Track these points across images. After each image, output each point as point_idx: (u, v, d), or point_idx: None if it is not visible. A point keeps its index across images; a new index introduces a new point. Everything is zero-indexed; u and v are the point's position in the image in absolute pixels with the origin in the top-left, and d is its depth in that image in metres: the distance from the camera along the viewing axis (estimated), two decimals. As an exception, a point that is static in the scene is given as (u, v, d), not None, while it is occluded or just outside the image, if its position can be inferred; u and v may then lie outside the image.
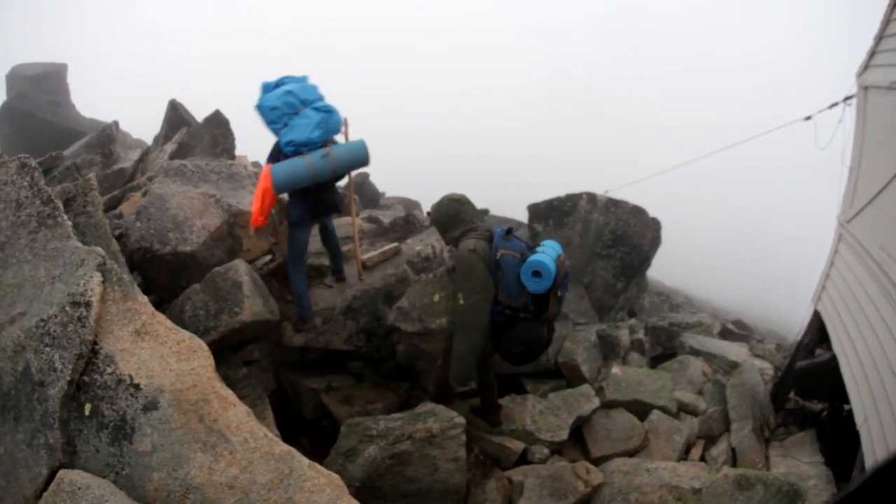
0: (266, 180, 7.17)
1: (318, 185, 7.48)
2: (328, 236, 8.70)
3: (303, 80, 7.63)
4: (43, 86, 25.87)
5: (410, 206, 20.72)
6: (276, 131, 7.43)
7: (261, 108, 7.40)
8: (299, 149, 7.24)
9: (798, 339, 9.53)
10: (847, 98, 9.11)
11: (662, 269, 18.33)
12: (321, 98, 7.56)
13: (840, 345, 7.71)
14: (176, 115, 15.95)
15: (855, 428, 6.54)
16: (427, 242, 10.12)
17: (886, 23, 7.63)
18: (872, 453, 5.88)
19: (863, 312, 7.16)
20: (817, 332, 8.88)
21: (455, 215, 6.66)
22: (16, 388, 4.68)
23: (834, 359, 7.85)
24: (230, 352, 7.64)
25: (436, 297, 8.04)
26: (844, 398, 7.13)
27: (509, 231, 6.53)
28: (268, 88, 7.46)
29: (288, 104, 7.28)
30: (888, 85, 7.40)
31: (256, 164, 15.47)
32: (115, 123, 17.96)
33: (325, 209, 7.94)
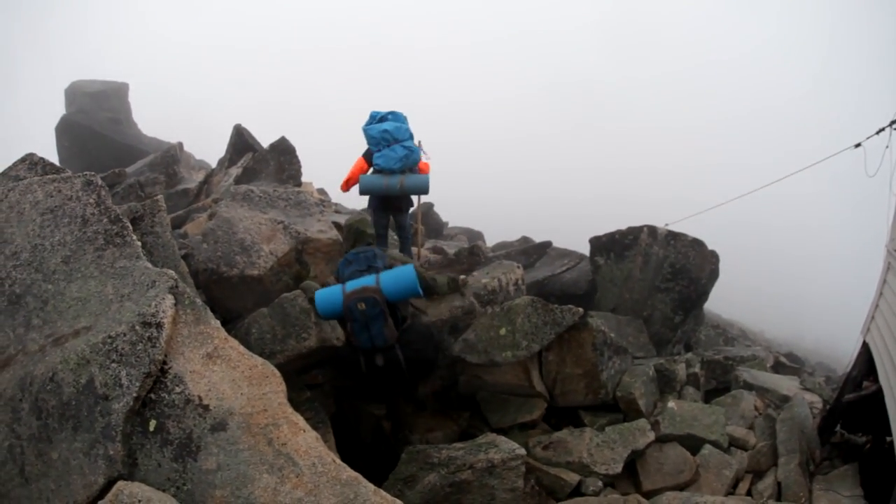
0: (356, 173, 9.72)
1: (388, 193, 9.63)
2: (400, 230, 10.74)
3: (400, 118, 9.66)
4: (103, 103, 26.40)
5: (474, 236, 20.73)
6: (372, 151, 9.57)
7: (365, 133, 9.61)
8: (382, 170, 9.46)
9: (846, 371, 9.49)
10: (894, 122, 9.09)
11: (718, 302, 18.24)
12: (410, 137, 9.67)
13: (886, 376, 7.69)
14: (241, 140, 16.20)
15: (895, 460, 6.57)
16: (493, 275, 10.28)
17: None
18: None
19: None
20: (865, 364, 8.80)
21: (361, 233, 8.45)
22: (77, 398, 4.82)
23: (880, 391, 7.83)
24: (294, 375, 7.71)
25: (502, 331, 8.22)
26: (888, 431, 7.11)
27: (351, 254, 7.84)
28: (374, 117, 9.62)
29: (384, 140, 9.39)
30: None
31: (322, 192, 15.68)
32: (180, 144, 18.37)
33: (389, 206, 10.01)
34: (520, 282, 10.76)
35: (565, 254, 15.18)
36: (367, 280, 7.05)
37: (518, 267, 11.09)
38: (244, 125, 16.40)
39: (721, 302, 20.52)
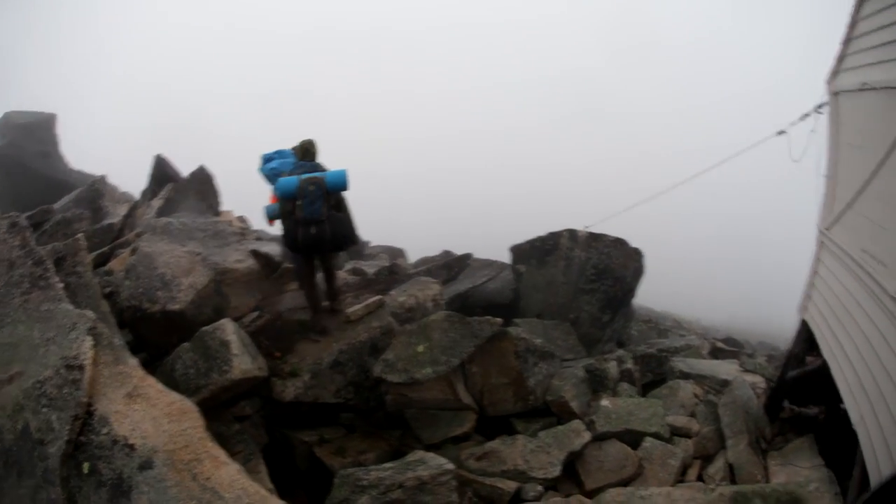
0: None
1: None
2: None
3: (286, 154, 9.69)
4: (34, 135, 25.84)
5: (395, 254, 20.60)
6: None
7: (260, 174, 9.63)
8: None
9: (787, 349, 9.56)
10: (818, 106, 9.10)
11: (650, 296, 18.32)
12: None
13: (830, 350, 7.74)
14: (161, 170, 15.92)
15: (852, 426, 6.58)
16: (410, 293, 10.31)
17: (854, 24, 7.66)
18: (871, 450, 5.91)
19: (850, 315, 7.20)
20: (806, 340, 8.87)
21: (307, 150, 9.23)
22: (17, 445, 4.88)
23: (824, 365, 7.86)
24: (222, 408, 7.69)
25: (420, 348, 8.27)
26: (838, 400, 7.14)
27: (301, 162, 9.12)
28: (264, 159, 9.67)
29: (275, 177, 9.20)
30: (860, 87, 7.42)
31: (242, 220, 15.45)
32: (103, 178, 18.00)
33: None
34: (437, 297, 10.76)
35: (487, 264, 15.08)
36: (316, 174, 8.71)
37: (435, 283, 11.16)
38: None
39: (656, 295, 20.60)
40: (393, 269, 12.59)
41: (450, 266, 15.30)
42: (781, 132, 10.03)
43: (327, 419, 8.66)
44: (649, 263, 13.28)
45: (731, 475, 7.96)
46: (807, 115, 9.42)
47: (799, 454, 7.93)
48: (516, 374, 8.80)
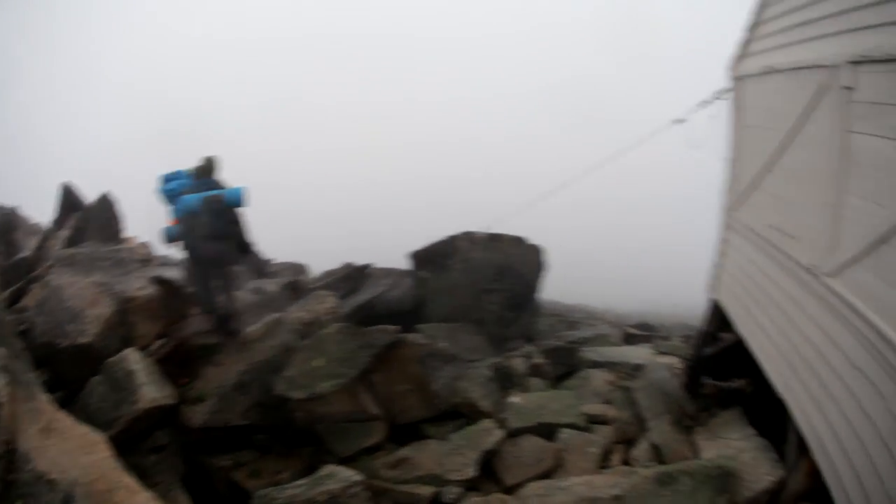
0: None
1: None
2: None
3: (182, 176, 9.66)
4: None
5: (297, 270, 20.50)
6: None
7: (160, 193, 9.56)
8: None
9: (700, 329, 9.79)
10: (719, 93, 9.31)
11: (560, 290, 18.40)
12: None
13: (745, 326, 7.97)
14: (69, 199, 15.50)
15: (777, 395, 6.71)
16: (307, 308, 10.30)
17: (760, 11, 7.82)
18: (802, 415, 6.09)
19: (762, 290, 7.45)
20: (718, 319, 9.09)
21: (207, 169, 9.45)
22: None
23: (739, 341, 8.09)
24: (140, 439, 7.57)
25: (318, 362, 8.36)
26: (760, 372, 7.32)
27: (203, 180, 9.37)
28: (163, 179, 9.62)
29: (172, 197, 9.31)
30: (764, 70, 7.68)
31: (145, 245, 15.17)
32: (14, 209, 17.61)
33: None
34: (333, 310, 10.70)
35: (388, 272, 15.08)
36: (216, 191, 9.04)
37: (330, 296, 11.15)
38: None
39: (567, 288, 20.67)
40: (294, 286, 12.66)
41: (350, 277, 15.27)
42: (680, 121, 10.12)
43: (241, 442, 8.54)
44: (560, 257, 13.39)
45: (659, 456, 8.04)
46: (706, 102, 9.57)
47: (728, 427, 8.07)
48: (419, 379, 8.88)
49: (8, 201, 18.14)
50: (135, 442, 7.42)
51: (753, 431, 7.71)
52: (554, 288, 14.48)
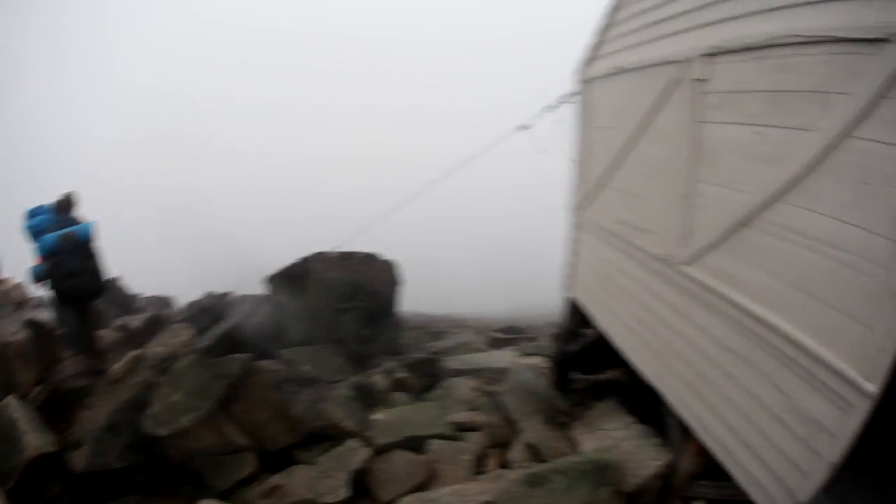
0: None
1: None
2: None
3: (43, 210, 9.27)
4: None
5: (162, 304, 19.86)
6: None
7: (25, 229, 9.17)
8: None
9: (560, 327, 10.02)
10: (565, 97, 9.48)
11: (430, 302, 18.49)
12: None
13: (604, 321, 8.15)
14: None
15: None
16: (165, 342, 9.96)
17: (612, 14, 7.96)
18: (678, 401, 6.23)
19: (618, 285, 7.63)
20: (577, 316, 9.29)
21: (64, 205, 9.22)
22: None
23: (599, 335, 8.28)
24: (36, 490, 7.20)
25: (176, 396, 8.10)
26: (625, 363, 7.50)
27: (60, 216, 9.15)
28: (30, 214, 9.21)
29: (35, 234, 8.94)
30: (613, 71, 7.87)
31: (19, 286, 14.35)
32: None
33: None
34: (189, 343, 10.33)
35: (247, 299, 14.85)
36: (70, 228, 8.85)
37: (186, 328, 10.79)
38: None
39: (435, 299, 20.81)
40: (157, 320, 12.23)
41: (209, 308, 14.93)
42: (525, 127, 10.26)
43: (126, 485, 8.06)
44: (424, 269, 13.37)
45: (538, 455, 8.03)
46: (551, 106, 9.74)
47: (605, 418, 8.17)
48: (277, 405, 8.69)
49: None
50: (32, 494, 7.10)
51: (633, 419, 7.84)
52: (419, 300, 14.43)
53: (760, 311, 4.83)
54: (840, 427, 4.17)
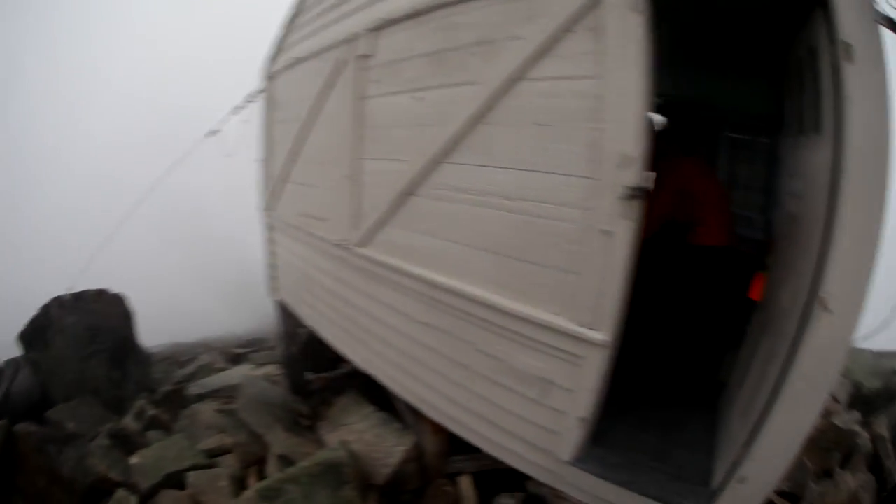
0: None
1: None
2: None
3: None
4: None
5: None
6: None
7: None
8: None
9: (278, 331, 10.00)
10: (252, 95, 9.29)
11: (181, 329, 17.98)
12: None
13: (309, 317, 8.12)
14: None
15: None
16: None
17: (298, 4, 7.78)
18: (392, 382, 6.21)
19: (311, 279, 7.63)
20: (289, 317, 9.19)
21: None
22: None
23: (312, 333, 8.29)
24: None
25: None
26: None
27: None
28: None
29: None
30: (292, 62, 7.73)
31: None
32: None
33: None
34: None
35: (8, 364, 13.81)
36: None
37: None
38: None
39: (184, 325, 20.25)
40: None
41: None
42: (215, 132, 9.89)
43: None
44: (160, 298, 12.83)
45: (292, 465, 7.63)
46: (239, 107, 9.51)
47: (346, 412, 8.11)
48: (48, 470, 7.96)
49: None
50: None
51: (372, 408, 7.83)
52: (165, 331, 13.87)
53: (441, 279, 4.89)
54: (577, 382, 4.12)
